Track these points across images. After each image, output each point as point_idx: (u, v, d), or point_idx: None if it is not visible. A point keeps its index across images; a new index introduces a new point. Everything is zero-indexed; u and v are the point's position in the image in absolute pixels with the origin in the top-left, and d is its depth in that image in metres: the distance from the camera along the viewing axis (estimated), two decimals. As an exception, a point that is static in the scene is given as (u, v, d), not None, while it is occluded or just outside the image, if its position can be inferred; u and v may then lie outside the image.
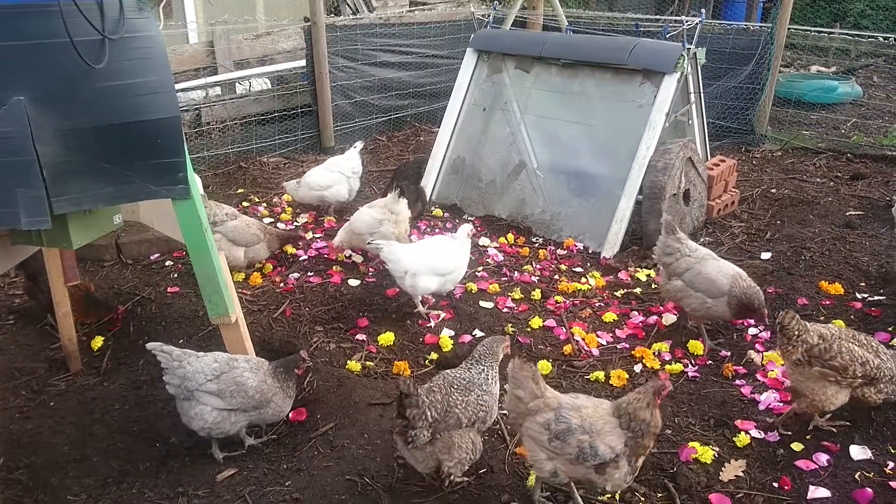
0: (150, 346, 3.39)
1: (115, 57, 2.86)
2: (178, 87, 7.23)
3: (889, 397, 3.54)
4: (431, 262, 4.57)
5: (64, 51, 2.73)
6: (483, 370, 3.25)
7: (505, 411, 3.26)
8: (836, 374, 3.44)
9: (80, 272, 4.86)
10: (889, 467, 3.35)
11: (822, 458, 3.41)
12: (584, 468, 2.87)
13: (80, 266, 5.10)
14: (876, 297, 4.94)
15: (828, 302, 4.90)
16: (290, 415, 3.71)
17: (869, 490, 3.20)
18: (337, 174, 6.27)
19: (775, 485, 3.27)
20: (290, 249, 5.72)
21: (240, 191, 7.00)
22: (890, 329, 4.51)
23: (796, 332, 3.54)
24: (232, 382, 3.35)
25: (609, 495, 3.21)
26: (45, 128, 2.78)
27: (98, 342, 4.36)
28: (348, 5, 10.77)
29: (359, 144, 6.62)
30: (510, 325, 4.66)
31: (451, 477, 3.20)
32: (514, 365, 3.02)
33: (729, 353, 4.33)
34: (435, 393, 3.08)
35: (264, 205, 6.68)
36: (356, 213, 5.44)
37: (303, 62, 8.19)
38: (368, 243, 4.81)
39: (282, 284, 5.19)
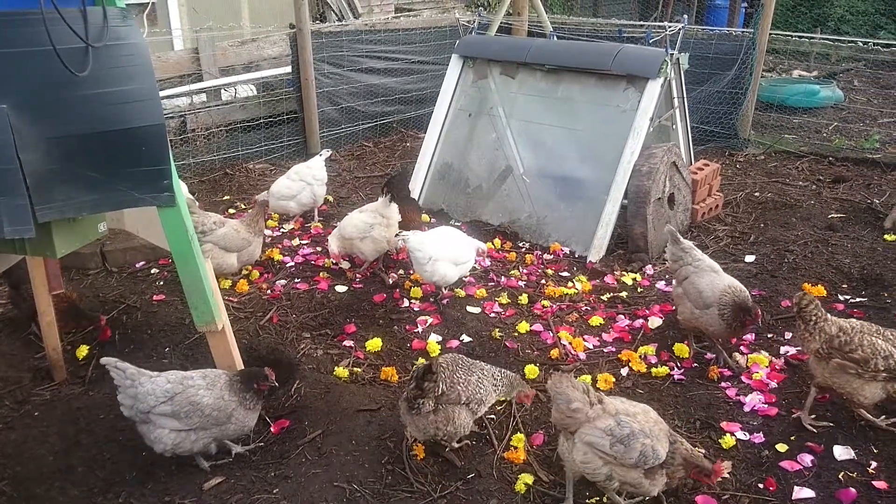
0: (104, 360, 3.33)
1: (99, 65, 2.85)
2: (162, 94, 7.20)
3: None
4: (449, 249, 4.92)
5: (47, 59, 2.72)
6: (491, 377, 3.49)
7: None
8: (856, 367, 3.45)
9: (65, 281, 4.82)
10: (872, 467, 3.39)
11: (807, 459, 3.45)
12: (637, 472, 2.98)
13: (65, 275, 5.07)
14: (858, 299, 5.01)
15: (811, 304, 4.95)
16: (274, 425, 3.71)
17: (852, 490, 3.24)
18: (299, 182, 6.28)
19: (761, 486, 3.31)
20: (277, 256, 5.71)
21: (226, 198, 6.98)
22: (872, 330, 4.56)
23: (813, 318, 3.57)
24: (186, 403, 3.27)
25: (596, 498, 3.22)
26: (28, 136, 2.77)
27: (83, 351, 4.33)
28: (334, 12, 10.78)
29: (325, 153, 6.60)
30: (497, 329, 4.67)
31: (449, 443, 3.47)
32: (554, 380, 3.08)
33: (714, 356, 4.36)
34: (444, 369, 3.37)
35: (250, 212, 6.66)
36: (345, 218, 5.44)
37: (288, 69, 8.19)
38: (396, 235, 5.00)
39: (268, 291, 5.18)
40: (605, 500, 3.22)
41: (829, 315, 3.63)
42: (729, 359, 4.29)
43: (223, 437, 3.43)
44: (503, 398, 3.64)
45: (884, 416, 3.67)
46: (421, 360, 4.31)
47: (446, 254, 4.87)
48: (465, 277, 5.35)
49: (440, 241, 4.94)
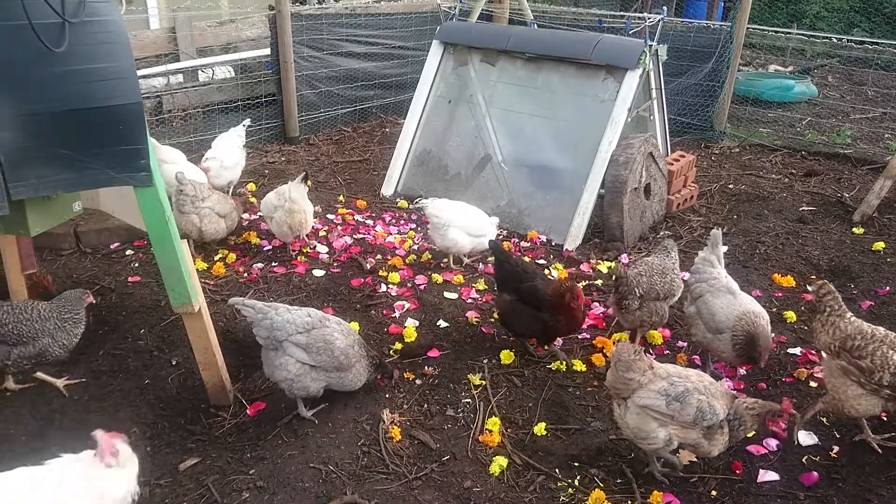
0: (231, 301, 3.56)
1: (76, 41, 2.81)
2: (138, 73, 7.08)
3: None
4: (465, 219, 5.24)
5: (22, 33, 2.68)
6: (670, 257, 4.36)
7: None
8: (859, 375, 3.31)
9: (37, 261, 4.76)
10: (834, 451, 3.49)
11: (772, 444, 3.54)
12: (696, 432, 3.04)
13: (38, 255, 5.00)
14: (826, 290, 5.12)
15: (780, 294, 5.07)
16: (251, 408, 3.72)
17: (815, 473, 3.34)
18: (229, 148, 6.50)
19: (728, 469, 3.39)
20: (254, 239, 5.69)
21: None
22: (838, 320, 4.68)
23: (828, 309, 3.49)
24: (321, 339, 3.48)
25: (568, 480, 3.28)
26: (2, 112, 2.73)
27: (56, 332, 4.28)
28: (314, -6, 10.66)
29: (247, 122, 6.78)
30: (474, 315, 4.70)
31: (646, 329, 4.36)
32: (620, 348, 3.17)
33: (686, 344, 4.45)
34: (642, 276, 4.13)
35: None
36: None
37: (267, 51, 8.11)
38: (415, 201, 5.23)
39: (245, 274, 5.16)
40: (575, 482, 3.28)
41: (848, 312, 3.51)
42: (712, 370, 4.16)
43: (338, 387, 3.61)
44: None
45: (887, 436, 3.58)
46: (398, 346, 4.33)
47: (461, 222, 5.19)
48: (442, 265, 5.38)
49: (458, 209, 5.26)
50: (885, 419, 3.70)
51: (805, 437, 3.59)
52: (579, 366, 4.15)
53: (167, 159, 5.68)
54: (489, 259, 5.53)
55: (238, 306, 3.54)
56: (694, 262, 4.22)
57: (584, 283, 5.21)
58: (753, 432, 3.14)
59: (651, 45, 5.93)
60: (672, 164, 6.44)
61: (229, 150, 6.38)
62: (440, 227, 5.16)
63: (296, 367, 3.46)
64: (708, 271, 4.08)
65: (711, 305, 3.93)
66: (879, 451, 3.48)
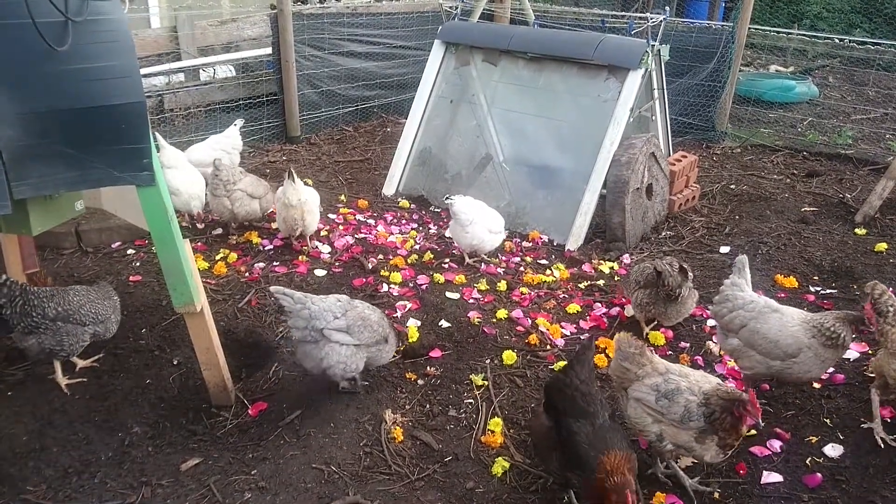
0: (272, 289, 3.60)
1: (79, 39, 2.80)
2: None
3: None
4: (486, 217, 5.35)
5: (25, 32, 2.66)
6: None
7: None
8: None
9: (39, 260, 4.75)
10: (839, 454, 3.48)
11: (776, 445, 3.53)
12: (687, 434, 3.05)
13: (39, 254, 4.98)
14: (828, 290, 5.12)
15: (783, 295, 5.06)
16: (252, 408, 3.72)
17: (819, 475, 3.33)
18: (220, 151, 6.44)
19: (731, 470, 3.38)
20: (255, 239, 5.68)
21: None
22: (841, 321, 4.67)
23: (890, 309, 3.38)
24: (358, 318, 3.61)
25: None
26: (4, 111, 2.71)
27: (57, 331, 4.27)
28: (315, -7, 10.65)
29: (238, 122, 6.78)
30: (476, 315, 4.69)
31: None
32: (621, 340, 3.25)
33: (688, 345, 4.44)
34: (684, 263, 4.35)
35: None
36: None
37: (268, 50, 8.10)
38: (446, 198, 5.32)
39: (247, 274, 5.15)
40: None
41: None
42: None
43: (375, 361, 3.77)
44: None
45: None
46: (400, 346, 4.32)
47: (484, 221, 5.30)
48: (444, 265, 5.37)
49: (480, 207, 5.37)
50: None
51: (830, 451, 3.52)
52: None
53: (168, 163, 5.64)
54: (490, 259, 5.53)
55: (277, 295, 3.56)
56: (720, 291, 3.96)
57: (586, 284, 5.21)
58: (727, 423, 3.02)
59: (653, 45, 5.92)
60: (674, 165, 6.43)
61: (204, 151, 6.38)
62: (466, 224, 5.21)
63: (344, 350, 3.55)
64: (740, 297, 3.80)
65: (766, 333, 3.60)
66: (882, 445, 3.49)
